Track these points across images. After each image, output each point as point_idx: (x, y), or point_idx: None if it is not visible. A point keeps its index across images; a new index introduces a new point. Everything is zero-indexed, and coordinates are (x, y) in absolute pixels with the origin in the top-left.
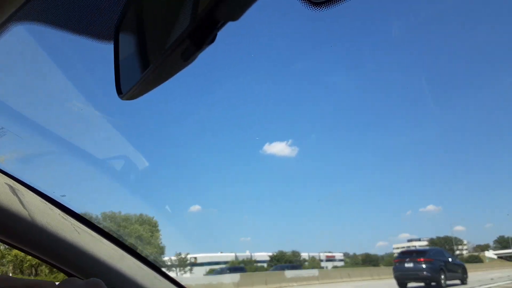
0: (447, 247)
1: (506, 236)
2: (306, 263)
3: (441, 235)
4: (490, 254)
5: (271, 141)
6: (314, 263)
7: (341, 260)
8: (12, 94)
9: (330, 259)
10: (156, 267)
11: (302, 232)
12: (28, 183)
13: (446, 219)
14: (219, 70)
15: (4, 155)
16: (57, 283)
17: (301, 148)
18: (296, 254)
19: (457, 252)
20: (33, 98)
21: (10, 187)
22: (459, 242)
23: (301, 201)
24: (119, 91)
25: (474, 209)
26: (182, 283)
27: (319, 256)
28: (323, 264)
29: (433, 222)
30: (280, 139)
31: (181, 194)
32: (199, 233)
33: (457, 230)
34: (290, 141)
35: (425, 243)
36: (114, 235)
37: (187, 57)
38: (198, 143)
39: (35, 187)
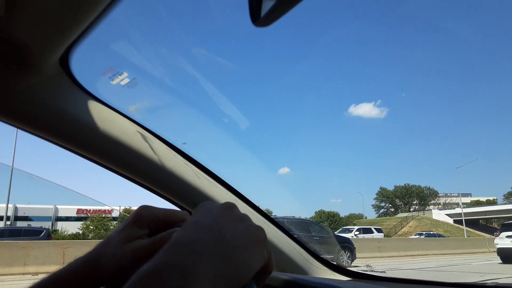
0: (403, 201)
1: None
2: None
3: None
4: (440, 215)
5: (357, 102)
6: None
7: None
8: (142, 47)
9: None
10: (265, 214)
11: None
12: (154, 131)
13: None
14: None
15: (135, 105)
16: None
17: (391, 108)
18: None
19: (407, 213)
20: (160, 52)
21: (141, 134)
22: (421, 195)
23: (392, 163)
24: (254, 18)
25: None
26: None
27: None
28: None
29: None
30: (368, 99)
31: (271, 156)
32: (288, 194)
33: None
34: (378, 101)
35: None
36: (228, 182)
37: None
38: (288, 106)
39: (159, 134)
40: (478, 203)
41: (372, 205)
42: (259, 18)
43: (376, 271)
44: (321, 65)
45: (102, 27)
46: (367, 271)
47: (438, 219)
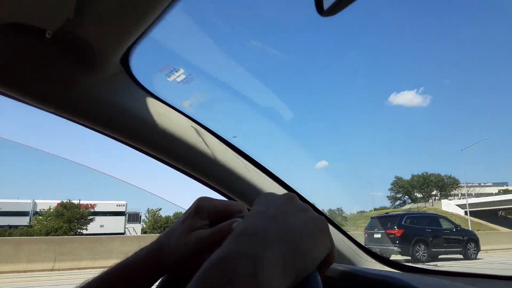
0: (421, 192)
1: None
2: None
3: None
4: (450, 206)
5: (398, 91)
6: None
7: None
8: (196, 43)
9: None
10: (315, 208)
11: None
12: (205, 125)
13: None
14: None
15: (188, 100)
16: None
17: (434, 96)
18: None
19: (425, 204)
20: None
21: (195, 129)
22: (441, 184)
23: (436, 155)
24: (320, 9)
25: None
26: None
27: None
28: None
29: None
30: (409, 87)
31: (309, 149)
32: (327, 188)
33: None
34: (421, 88)
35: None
36: (276, 174)
37: None
38: (328, 99)
39: (211, 129)
40: (506, 192)
41: (387, 196)
42: (324, 9)
43: (428, 265)
44: (360, 53)
45: (159, 27)
46: (417, 264)
47: (447, 210)
